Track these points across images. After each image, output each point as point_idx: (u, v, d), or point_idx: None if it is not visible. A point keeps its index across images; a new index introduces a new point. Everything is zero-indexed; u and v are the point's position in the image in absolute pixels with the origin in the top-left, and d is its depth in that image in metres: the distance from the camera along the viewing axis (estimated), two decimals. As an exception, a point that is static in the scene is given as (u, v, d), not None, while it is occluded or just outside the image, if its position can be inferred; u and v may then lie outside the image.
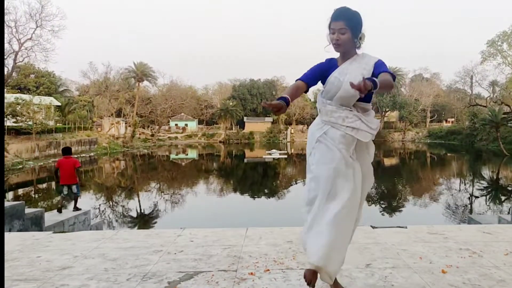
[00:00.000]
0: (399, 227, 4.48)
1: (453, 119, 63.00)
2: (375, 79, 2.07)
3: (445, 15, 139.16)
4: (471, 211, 13.79)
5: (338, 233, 2.20)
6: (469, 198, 16.86)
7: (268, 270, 3.07)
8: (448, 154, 40.58)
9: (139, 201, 16.62)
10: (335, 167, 2.25)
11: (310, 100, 73.73)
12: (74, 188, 7.63)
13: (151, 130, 58.05)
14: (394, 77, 2.21)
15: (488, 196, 17.45)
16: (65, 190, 7.59)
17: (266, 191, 18.76)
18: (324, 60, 2.44)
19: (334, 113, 2.31)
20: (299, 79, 2.37)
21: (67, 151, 8.18)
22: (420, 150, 45.09)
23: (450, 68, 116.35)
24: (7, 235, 4.43)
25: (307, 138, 2.49)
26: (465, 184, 21.16)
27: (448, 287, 2.71)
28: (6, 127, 29.10)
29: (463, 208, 14.51)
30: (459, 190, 18.81)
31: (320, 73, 2.39)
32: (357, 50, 2.38)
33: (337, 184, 2.25)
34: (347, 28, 2.24)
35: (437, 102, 60.81)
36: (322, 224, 2.22)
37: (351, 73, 2.28)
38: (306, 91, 2.39)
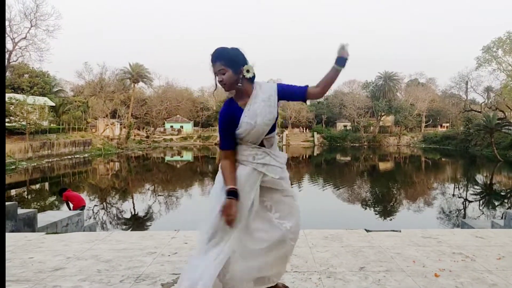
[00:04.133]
0: (393, 230, 4.49)
1: (448, 124, 63.35)
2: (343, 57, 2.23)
3: (441, 21, 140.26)
4: (464, 216, 13.86)
5: None
6: (462, 202, 16.94)
7: (262, 272, 3.05)
8: (443, 159, 40.79)
9: (133, 202, 16.55)
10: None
11: (306, 103, 73.96)
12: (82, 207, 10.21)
13: (146, 131, 57.84)
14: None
15: (481, 201, 17.56)
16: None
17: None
18: (222, 106, 2.37)
19: (244, 151, 2.32)
20: (226, 150, 2.31)
21: (64, 189, 10.67)
22: (415, 155, 45.28)
23: (445, 73, 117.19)
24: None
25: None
26: (459, 189, 21.27)
27: (441, 291, 2.73)
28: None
29: (456, 212, 14.58)
30: (453, 195, 18.90)
31: (231, 126, 2.29)
32: (252, 83, 2.32)
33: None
34: (226, 67, 2.21)
35: (432, 107, 61.14)
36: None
37: (260, 113, 2.26)
38: None
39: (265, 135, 2.32)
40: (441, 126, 65.75)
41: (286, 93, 2.32)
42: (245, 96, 2.31)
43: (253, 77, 2.31)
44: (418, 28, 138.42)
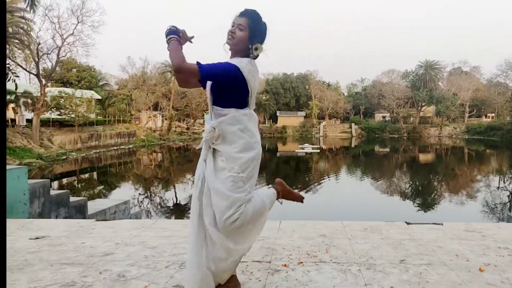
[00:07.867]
0: (435, 223, 4.40)
1: (493, 114, 60.50)
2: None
3: (487, 9, 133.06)
4: (510, 209, 13.28)
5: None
6: (508, 195, 16.19)
7: (302, 262, 3.11)
8: (487, 151, 38.99)
9: (175, 192, 17.04)
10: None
11: (343, 94, 72.68)
12: None
13: (186, 123, 59.00)
14: (199, 66, 1.99)
15: (530, 195, 16.71)
16: None
17: (298, 185, 18.72)
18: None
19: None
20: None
21: None
22: (457, 146, 43.57)
23: (491, 61, 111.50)
24: (55, 221, 4.70)
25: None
26: (504, 182, 20.31)
27: (486, 285, 2.66)
28: (51, 119, 30.53)
29: (502, 206, 13.98)
30: (498, 188, 18.10)
31: None
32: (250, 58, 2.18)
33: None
34: (246, 26, 2.11)
35: (476, 97, 58.48)
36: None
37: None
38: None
39: (214, 104, 2.16)
40: (485, 116, 62.89)
41: None
42: None
43: (256, 57, 2.21)
44: (462, 16, 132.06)
